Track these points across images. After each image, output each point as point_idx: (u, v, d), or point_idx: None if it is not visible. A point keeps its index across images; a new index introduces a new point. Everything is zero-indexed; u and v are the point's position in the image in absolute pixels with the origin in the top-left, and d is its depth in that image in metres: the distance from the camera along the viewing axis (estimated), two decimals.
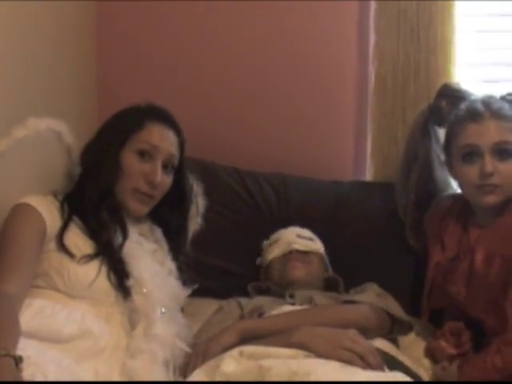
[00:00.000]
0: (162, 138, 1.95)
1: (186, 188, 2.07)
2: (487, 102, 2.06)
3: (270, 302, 2.09)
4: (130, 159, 1.92)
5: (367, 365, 1.69)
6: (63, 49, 2.55)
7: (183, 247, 2.10)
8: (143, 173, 1.91)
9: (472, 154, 2.03)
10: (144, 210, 1.97)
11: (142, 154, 1.93)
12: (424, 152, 2.23)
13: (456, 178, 2.15)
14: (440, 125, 2.21)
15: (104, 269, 1.80)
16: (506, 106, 2.07)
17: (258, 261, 2.41)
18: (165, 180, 1.96)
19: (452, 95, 2.17)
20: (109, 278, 1.80)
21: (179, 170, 2.03)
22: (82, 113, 2.64)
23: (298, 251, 2.28)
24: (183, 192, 2.07)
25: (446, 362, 1.98)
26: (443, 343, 2.02)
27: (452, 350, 2.00)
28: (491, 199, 2.01)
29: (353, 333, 1.77)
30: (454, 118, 2.11)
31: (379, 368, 1.70)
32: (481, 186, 2.01)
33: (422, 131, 2.23)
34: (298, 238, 2.31)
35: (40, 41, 2.38)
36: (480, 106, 2.05)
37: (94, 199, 1.88)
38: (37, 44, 2.36)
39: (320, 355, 1.71)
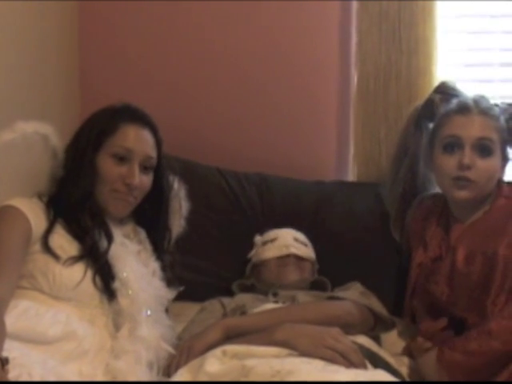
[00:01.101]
0: (137, 140, 1.92)
1: (163, 186, 2.05)
2: (478, 99, 2.09)
3: (252, 300, 2.10)
4: (106, 163, 1.90)
5: (350, 363, 1.70)
6: (46, 50, 2.55)
7: (167, 247, 2.09)
8: (120, 175, 1.89)
9: (453, 145, 2.05)
10: (125, 210, 1.95)
11: (118, 158, 1.90)
12: (414, 146, 2.24)
13: (434, 169, 2.15)
14: (431, 120, 2.21)
15: (89, 272, 1.80)
16: (496, 108, 2.09)
17: (251, 254, 2.39)
18: (144, 180, 1.94)
19: (446, 92, 2.18)
20: (94, 281, 1.80)
21: (157, 169, 2.00)
22: (65, 114, 2.63)
23: (295, 256, 2.28)
24: (161, 190, 2.04)
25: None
26: (420, 339, 2.05)
27: (429, 344, 2.02)
28: (463, 194, 2.03)
29: (336, 331, 1.78)
30: (443, 111, 2.13)
31: (362, 366, 1.71)
32: (456, 179, 2.03)
33: (415, 126, 2.23)
34: (294, 242, 2.31)
35: (23, 43, 2.37)
36: (470, 102, 2.08)
37: (73, 204, 1.87)
38: (19, 46, 2.35)
39: (303, 353, 1.72)
